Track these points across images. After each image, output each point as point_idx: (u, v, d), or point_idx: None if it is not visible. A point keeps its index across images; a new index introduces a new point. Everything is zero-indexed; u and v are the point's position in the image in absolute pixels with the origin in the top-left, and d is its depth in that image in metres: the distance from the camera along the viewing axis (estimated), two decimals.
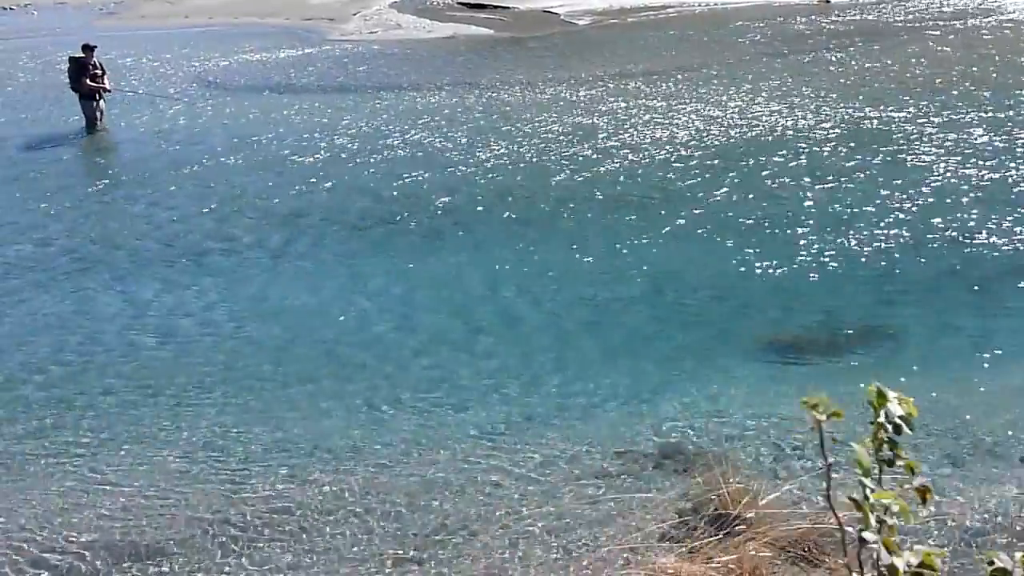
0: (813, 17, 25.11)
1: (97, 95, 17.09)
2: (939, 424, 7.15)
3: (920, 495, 2.13)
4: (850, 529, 2.13)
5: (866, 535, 1.99)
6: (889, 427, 2.11)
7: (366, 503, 6.60)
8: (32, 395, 8.34)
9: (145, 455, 7.35)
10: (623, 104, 16.98)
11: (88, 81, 16.79)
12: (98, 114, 17.13)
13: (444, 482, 6.79)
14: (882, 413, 2.12)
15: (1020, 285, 9.28)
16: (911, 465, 2.11)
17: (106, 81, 17.17)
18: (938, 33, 21.91)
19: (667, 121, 15.68)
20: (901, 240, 10.35)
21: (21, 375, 8.73)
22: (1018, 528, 5.83)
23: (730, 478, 6.30)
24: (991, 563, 1.99)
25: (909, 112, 15.10)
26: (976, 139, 13.52)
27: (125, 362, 8.86)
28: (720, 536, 5.67)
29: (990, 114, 14.72)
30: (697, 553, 5.58)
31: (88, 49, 16.88)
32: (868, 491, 2.03)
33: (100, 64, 17.10)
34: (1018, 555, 1.98)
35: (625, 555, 5.85)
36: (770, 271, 9.89)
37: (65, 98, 18.27)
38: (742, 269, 9.96)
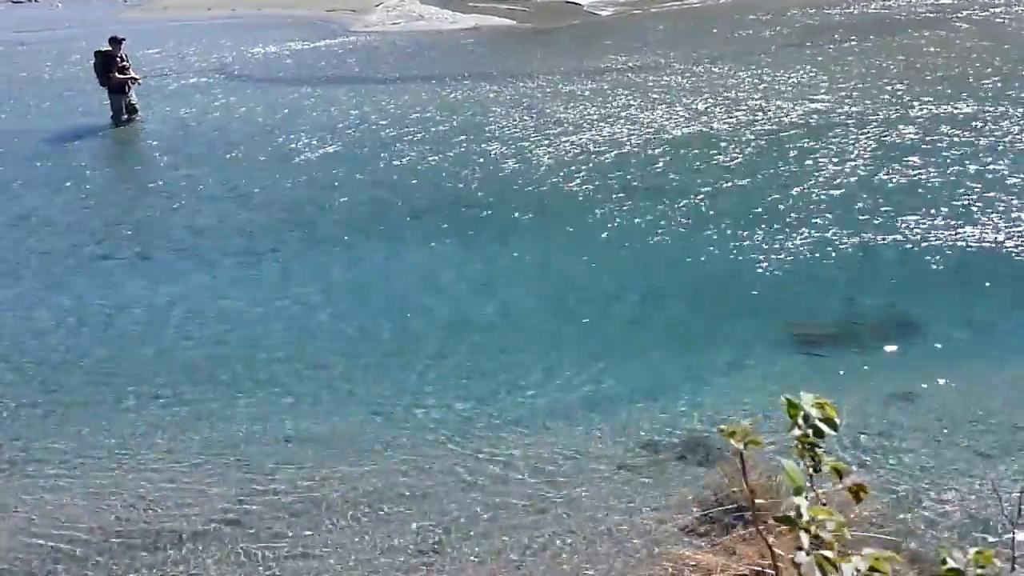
0: (839, 7, 24.90)
1: (127, 87, 17.15)
2: (962, 416, 7.13)
3: (853, 494, 2.13)
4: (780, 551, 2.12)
5: (799, 558, 1.97)
6: (810, 432, 2.11)
7: (384, 496, 6.64)
8: (54, 385, 8.43)
9: (166, 446, 7.42)
10: (645, 94, 16.93)
11: (117, 74, 16.86)
12: (125, 106, 17.16)
13: (465, 475, 6.82)
14: (799, 420, 2.12)
15: None
16: (837, 468, 2.11)
17: (131, 73, 17.25)
18: (963, 24, 21.69)
19: (689, 110, 15.62)
20: (925, 231, 10.28)
21: (42, 365, 8.83)
22: None
23: (752, 471, 6.31)
24: (944, 562, 1.96)
25: (933, 103, 14.98)
26: (1002, 131, 13.39)
27: (145, 354, 8.93)
28: (744, 530, 5.68)
29: (1018, 107, 14.56)
30: (720, 546, 5.59)
31: (116, 42, 16.92)
32: (802, 510, 2.01)
33: (126, 57, 17.16)
34: (972, 551, 1.95)
35: (649, 547, 5.87)
36: (793, 262, 9.86)
37: (89, 91, 18.38)
38: (764, 260, 9.93)
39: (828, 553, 1.94)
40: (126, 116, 17.16)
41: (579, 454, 7.00)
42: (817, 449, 2.11)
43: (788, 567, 2.21)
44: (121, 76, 16.92)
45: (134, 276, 10.70)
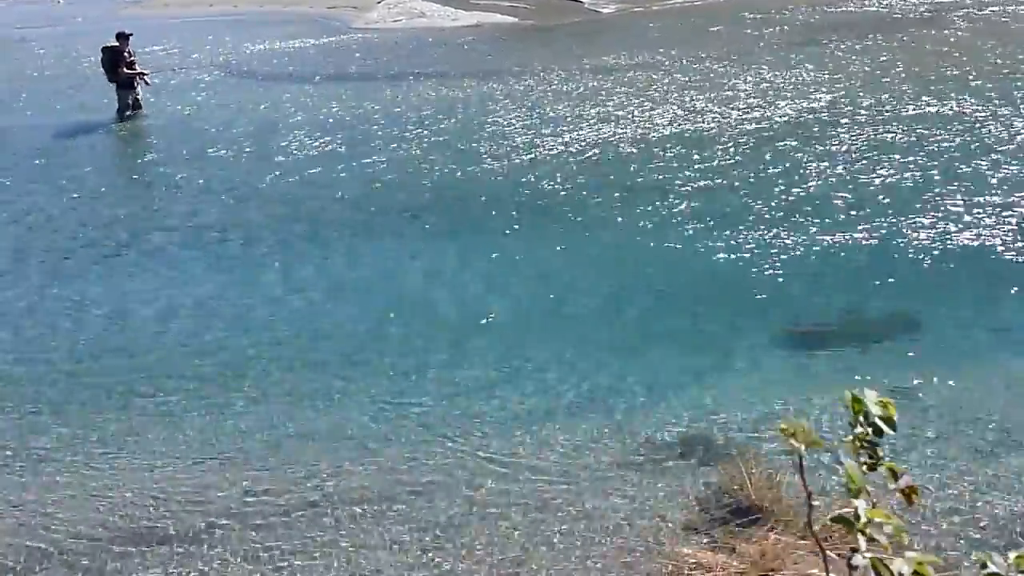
0: (842, 5, 24.88)
1: (135, 83, 17.14)
2: (965, 415, 7.14)
3: (906, 497, 2.11)
4: (832, 554, 2.11)
5: (856, 560, 1.96)
6: (869, 431, 2.09)
7: (386, 493, 6.67)
8: (59, 381, 8.46)
9: (170, 443, 7.44)
10: (646, 92, 16.92)
11: (125, 69, 16.86)
12: (131, 102, 17.15)
13: (466, 472, 6.84)
14: (861, 418, 2.10)
15: None
16: (892, 468, 2.09)
17: (139, 68, 17.25)
18: (964, 23, 21.68)
19: (690, 109, 15.62)
20: (927, 230, 10.29)
21: (46, 361, 8.86)
22: None
23: (753, 469, 6.33)
24: (984, 566, 1.95)
25: (937, 101, 14.97)
26: (1007, 129, 13.39)
27: (151, 349, 8.97)
28: (743, 526, 5.70)
29: (1022, 105, 14.56)
30: (720, 543, 5.61)
31: (123, 37, 16.88)
32: (861, 511, 2.00)
33: (133, 52, 17.13)
34: (1012, 555, 1.94)
35: (649, 545, 5.89)
36: (794, 260, 9.87)
37: (93, 87, 18.37)
38: (765, 257, 9.95)
39: (884, 556, 1.93)
40: (130, 112, 17.16)
41: (579, 452, 7.02)
42: (877, 448, 2.08)
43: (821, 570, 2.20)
44: (130, 72, 16.92)
45: (135, 273, 10.71)
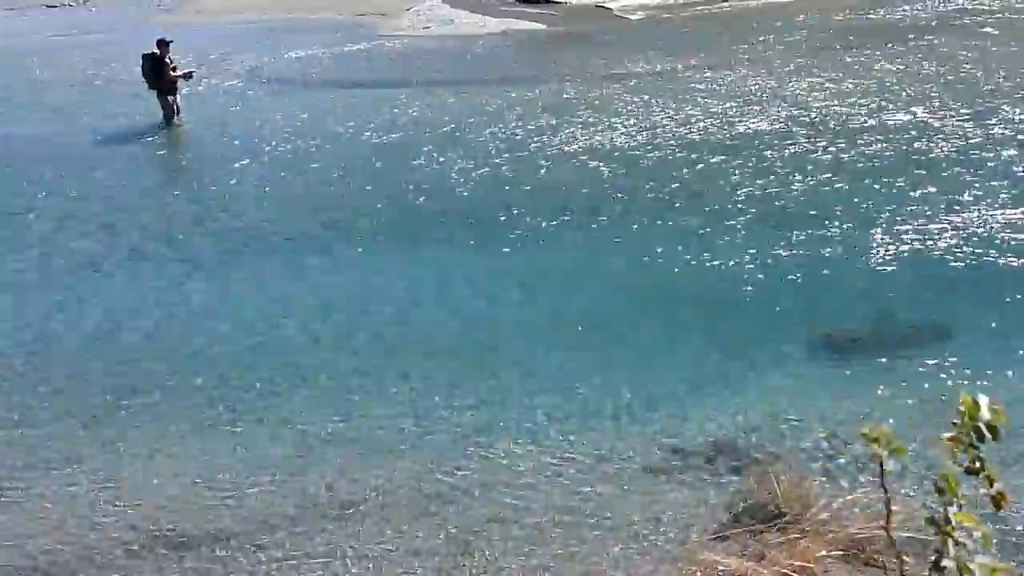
0: (869, 11, 24.72)
1: (175, 90, 17.28)
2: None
3: (995, 503, 2.09)
4: (908, 560, 2.09)
5: (945, 563, 1.95)
6: (972, 435, 2.06)
7: (412, 498, 6.69)
8: (86, 386, 8.54)
9: (198, 446, 7.51)
10: (676, 99, 16.89)
11: (171, 73, 17.03)
12: (175, 108, 17.35)
13: (494, 477, 6.85)
14: (970, 425, 2.06)
15: None
16: (991, 475, 2.07)
17: (181, 72, 17.45)
18: (991, 29, 21.48)
19: (718, 114, 15.57)
20: (959, 237, 10.20)
21: (80, 362, 8.96)
22: None
23: (783, 476, 6.29)
24: None
25: (968, 109, 14.84)
26: None
27: (178, 355, 9.04)
28: (773, 535, 5.67)
29: None
30: (749, 550, 5.58)
31: (163, 44, 17.02)
32: (950, 515, 1.98)
33: (173, 59, 17.27)
34: None
35: (677, 551, 5.87)
36: (824, 265, 9.82)
37: (134, 95, 18.54)
38: (795, 263, 9.89)
39: (973, 565, 1.92)
40: (177, 117, 17.34)
41: (605, 458, 7.00)
42: (979, 453, 2.06)
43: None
44: (174, 75, 17.06)
45: (173, 276, 10.82)
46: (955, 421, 2.08)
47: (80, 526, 6.59)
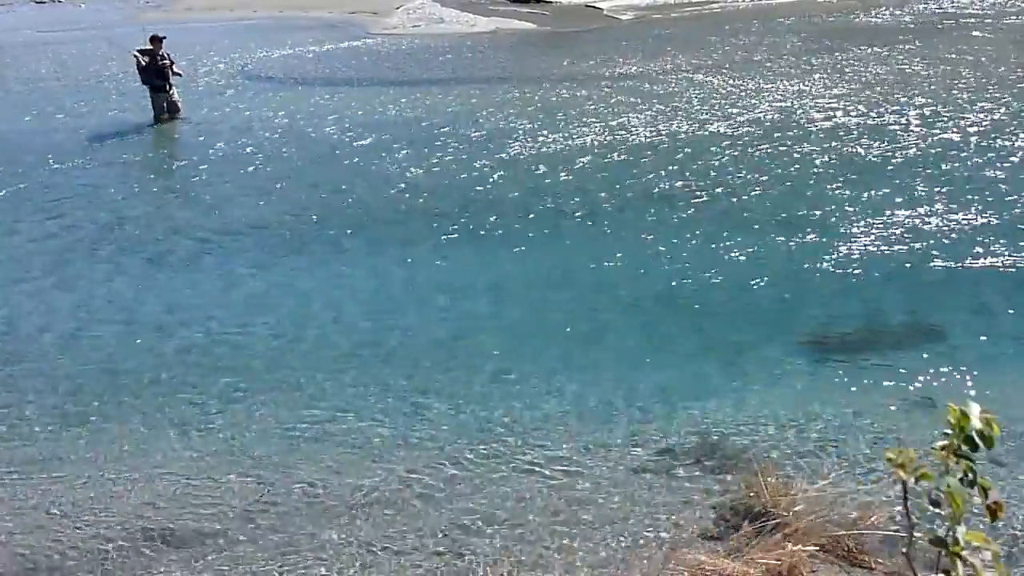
0: (857, 13, 24.82)
1: (168, 86, 17.28)
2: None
3: (991, 513, 2.08)
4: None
5: None
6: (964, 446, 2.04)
7: (402, 496, 6.67)
8: (72, 383, 8.50)
9: (188, 443, 7.48)
10: (664, 99, 16.92)
11: (167, 70, 17.02)
12: (167, 104, 17.36)
13: (483, 476, 6.84)
14: (961, 434, 2.04)
15: None
16: (985, 485, 2.05)
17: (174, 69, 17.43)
18: (985, 33, 21.59)
19: (709, 116, 15.61)
20: (950, 239, 10.24)
21: (61, 363, 8.91)
22: None
23: (769, 476, 6.31)
24: None
25: (958, 110, 14.91)
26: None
27: (164, 352, 9.00)
28: (759, 534, 5.68)
29: None
30: (736, 551, 5.59)
31: (157, 40, 17.06)
32: (959, 535, 1.97)
33: (167, 55, 17.25)
34: None
35: (664, 552, 5.87)
36: (813, 268, 9.84)
37: (124, 91, 18.49)
38: (784, 265, 9.92)
39: None
40: (167, 115, 17.37)
41: (595, 458, 7.00)
42: (972, 464, 2.04)
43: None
44: (166, 70, 17.05)
45: (160, 273, 10.78)
46: (947, 432, 2.06)
47: (64, 525, 6.55)
